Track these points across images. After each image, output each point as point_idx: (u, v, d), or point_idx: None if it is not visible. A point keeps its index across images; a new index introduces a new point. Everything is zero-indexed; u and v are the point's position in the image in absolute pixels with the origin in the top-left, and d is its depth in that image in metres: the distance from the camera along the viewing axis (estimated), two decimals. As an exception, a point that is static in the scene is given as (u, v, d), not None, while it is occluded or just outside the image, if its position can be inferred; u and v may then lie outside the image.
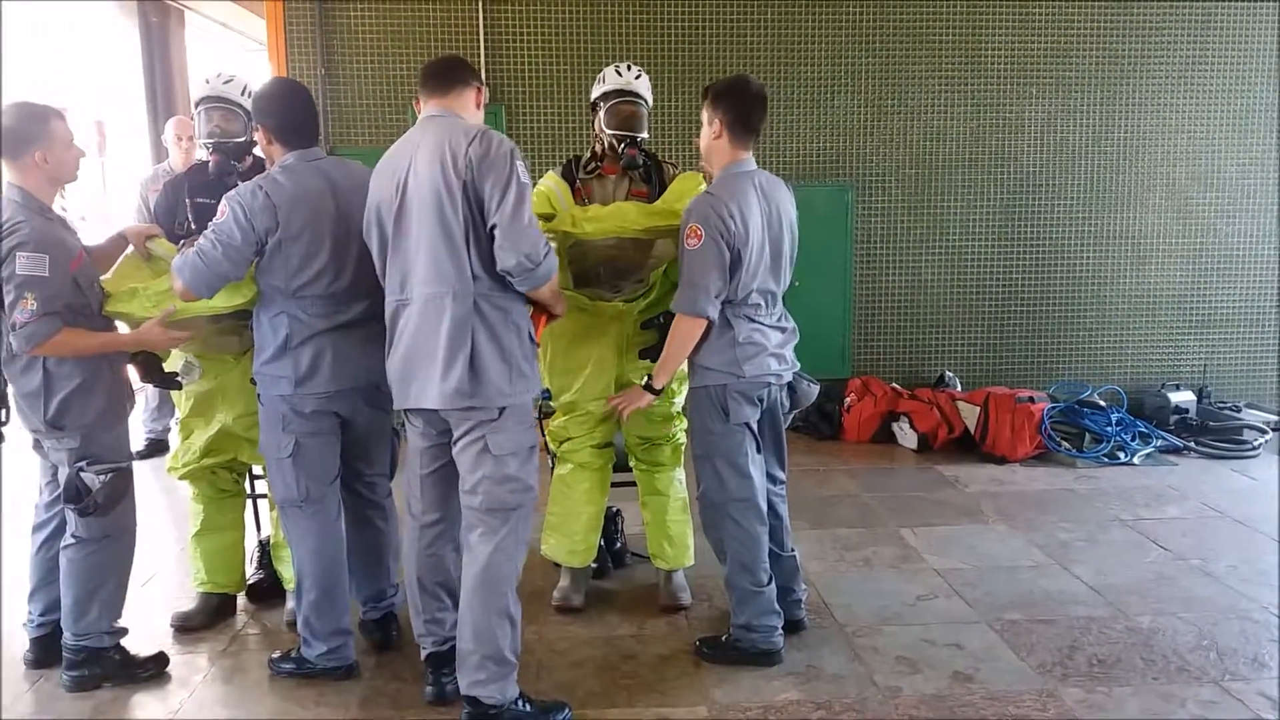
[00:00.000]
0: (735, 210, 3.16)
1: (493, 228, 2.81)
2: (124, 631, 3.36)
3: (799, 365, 3.47)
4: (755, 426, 3.36)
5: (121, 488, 3.21)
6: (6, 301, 3.01)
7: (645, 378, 3.44)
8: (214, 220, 3.06)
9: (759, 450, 3.38)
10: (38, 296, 2.99)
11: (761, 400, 3.35)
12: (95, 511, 3.15)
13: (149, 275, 3.40)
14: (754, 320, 3.29)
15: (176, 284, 3.05)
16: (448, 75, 2.99)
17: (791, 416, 3.56)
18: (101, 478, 3.13)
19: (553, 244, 3.40)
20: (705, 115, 3.30)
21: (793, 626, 3.54)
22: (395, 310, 2.95)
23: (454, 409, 2.88)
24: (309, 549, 3.27)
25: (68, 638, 3.26)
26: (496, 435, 2.89)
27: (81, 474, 3.13)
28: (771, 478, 3.51)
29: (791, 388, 3.47)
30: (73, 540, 3.22)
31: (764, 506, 3.37)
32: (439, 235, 2.82)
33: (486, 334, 2.85)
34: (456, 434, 2.94)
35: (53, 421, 3.13)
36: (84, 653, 3.26)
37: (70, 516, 3.20)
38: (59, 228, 3.18)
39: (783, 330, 3.39)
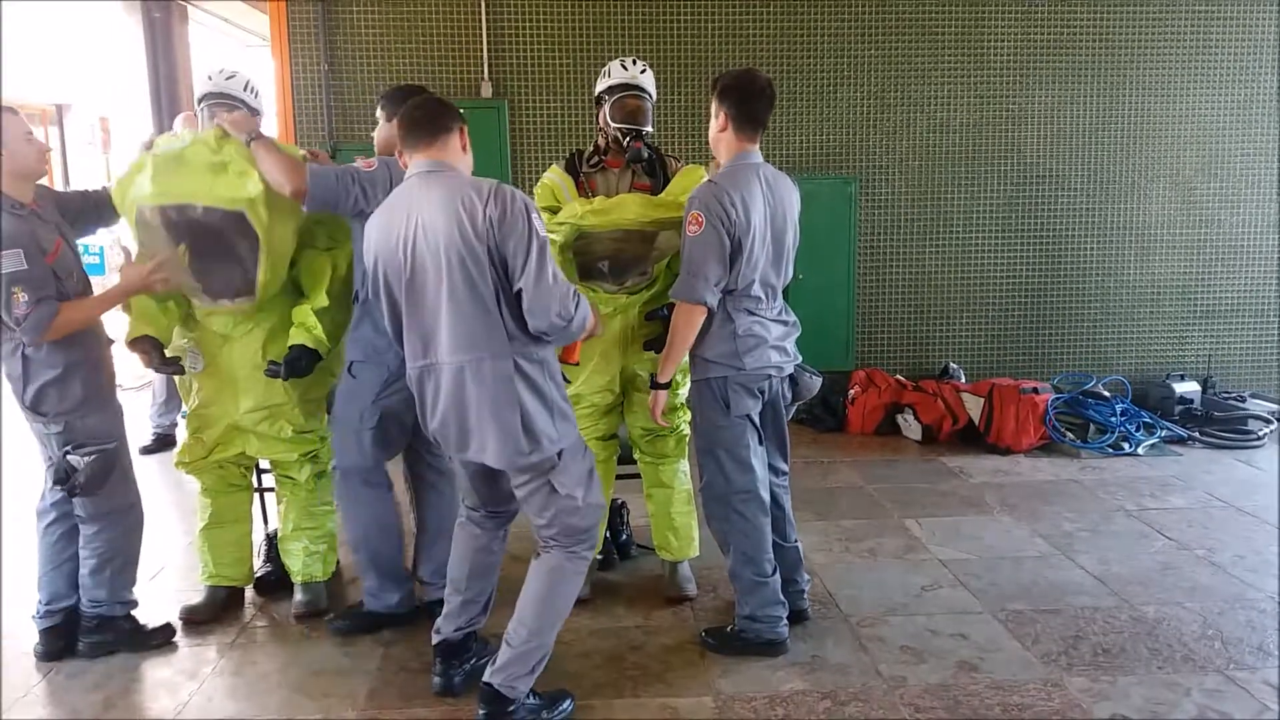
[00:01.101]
0: (738, 200, 3.16)
1: (519, 292, 2.76)
2: (134, 603, 3.53)
3: (801, 358, 3.48)
4: (756, 419, 3.37)
5: (104, 468, 3.28)
6: None
7: (650, 375, 3.46)
8: (360, 166, 3.31)
9: (760, 442, 3.39)
10: (25, 288, 3.06)
11: (762, 393, 3.35)
12: (80, 492, 3.26)
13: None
14: (754, 313, 3.30)
15: (300, 175, 3.21)
16: (430, 125, 2.86)
17: (794, 409, 3.57)
18: (86, 459, 3.24)
19: (557, 237, 3.42)
20: (713, 108, 3.31)
21: (796, 617, 3.55)
22: (420, 375, 2.89)
23: (507, 467, 2.89)
24: (371, 514, 3.51)
25: (84, 604, 3.44)
26: (561, 476, 2.89)
27: (68, 456, 3.26)
28: (774, 469, 3.52)
29: (794, 380, 3.47)
30: (78, 519, 3.39)
31: (767, 498, 3.38)
32: (469, 300, 2.75)
33: (530, 391, 2.82)
34: (516, 481, 2.94)
35: (32, 407, 3.26)
36: (97, 620, 3.44)
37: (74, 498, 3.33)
38: (31, 222, 3.20)
39: (784, 323, 3.39)
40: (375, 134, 3.63)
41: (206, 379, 3.62)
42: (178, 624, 3.65)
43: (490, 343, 2.78)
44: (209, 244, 3.40)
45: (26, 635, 3.59)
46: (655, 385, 3.36)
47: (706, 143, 3.42)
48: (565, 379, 3.06)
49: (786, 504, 3.57)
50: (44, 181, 3.37)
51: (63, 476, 3.26)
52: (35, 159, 3.27)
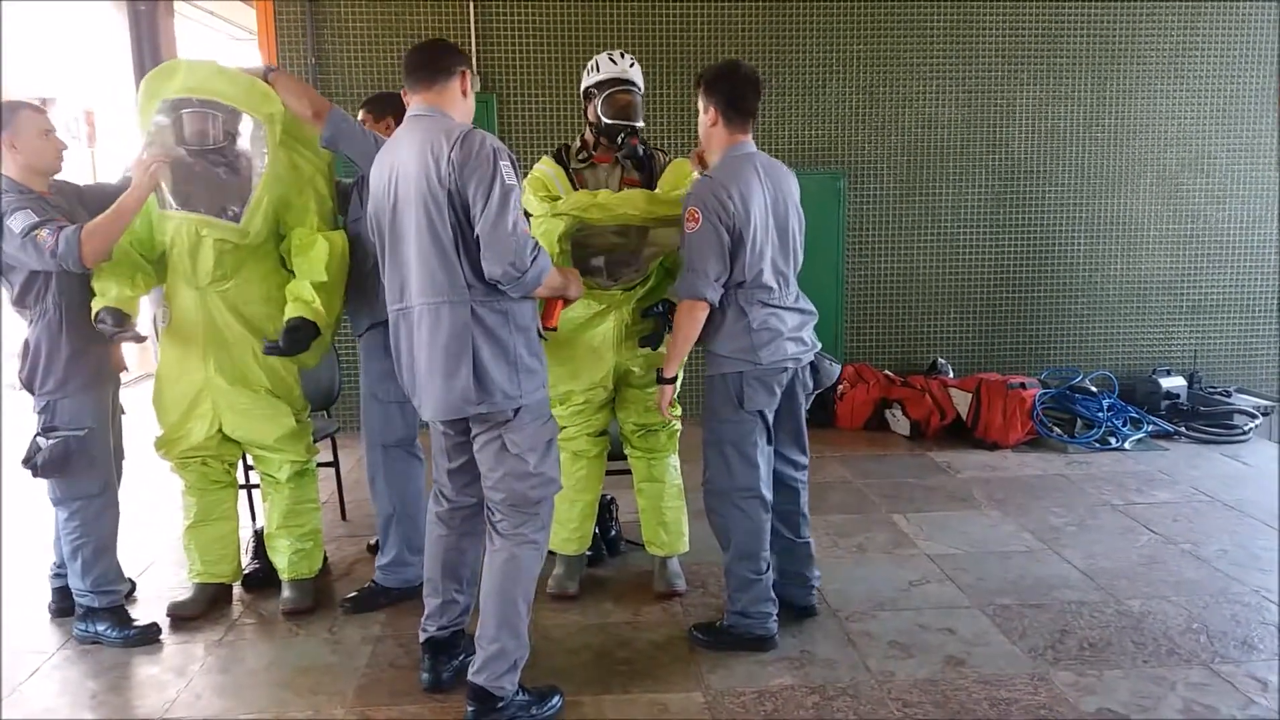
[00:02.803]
0: (735, 193, 3.16)
1: (477, 237, 2.76)
2: (116, 594, 3.58)
3: (820, 345, 3.47)
4: (769, 416, 3.35)
5: (64, 453, 3.39)
6: (23, 257, 3.25)
7: (655, 371, 3.50)
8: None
9: (769, 441, 3.38)
10: (44, 227, 3.21)
11: (780, 386, 3.33)
12: (40, 473, 3.40)
13: None
14: (769, 304, 3.27)
15: (322, 100, 3.47)
16: (429, 68, 2.89)
17: (812, 398, 3.54)
18: (49, 442, 3.39)
19: (560, 225, 3.40)
20: (700, 103, 3.30)
21: (804, 612, 3.58)
22: (395, 320, 2.93)
23: (458, 416, 2.88)
24: (413, 484, 3.82)
25: (74, 592, 3.57)
26: (513, 434, 2.89)
27: (38, 438, 3.41)
28: (793, 463, 3.51)
29: (814, 367, 3.46)
30: (51, 501, 3.54)
31: (769, 496, 3.37)
32: (430, 244, 2.77)
33: (487, 339, 2.81)
34: (475, 432, 2.94)
35: (26, 384, 3.44)
36: (83, 609, 3.55)
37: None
38: (39, 201, 3.35)
39: (800, 312, 3.37)
40: None
41: (171, 342, 3.57)
42: (164, 622, 3.65)
43: (451, 289, 2.78)
44: (217, 147, 3.42)
45: (16, 633, 3.60)
46: (661, 380, 3.37)
47: (695, 136, 3.41)
48: (542, 336, 3.05)
49: (803, 498, 3.55)
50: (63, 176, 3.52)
51: (29, 456, 3.40)
52: (51, 155, 3.40)
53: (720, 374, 3.29)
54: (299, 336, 3.45)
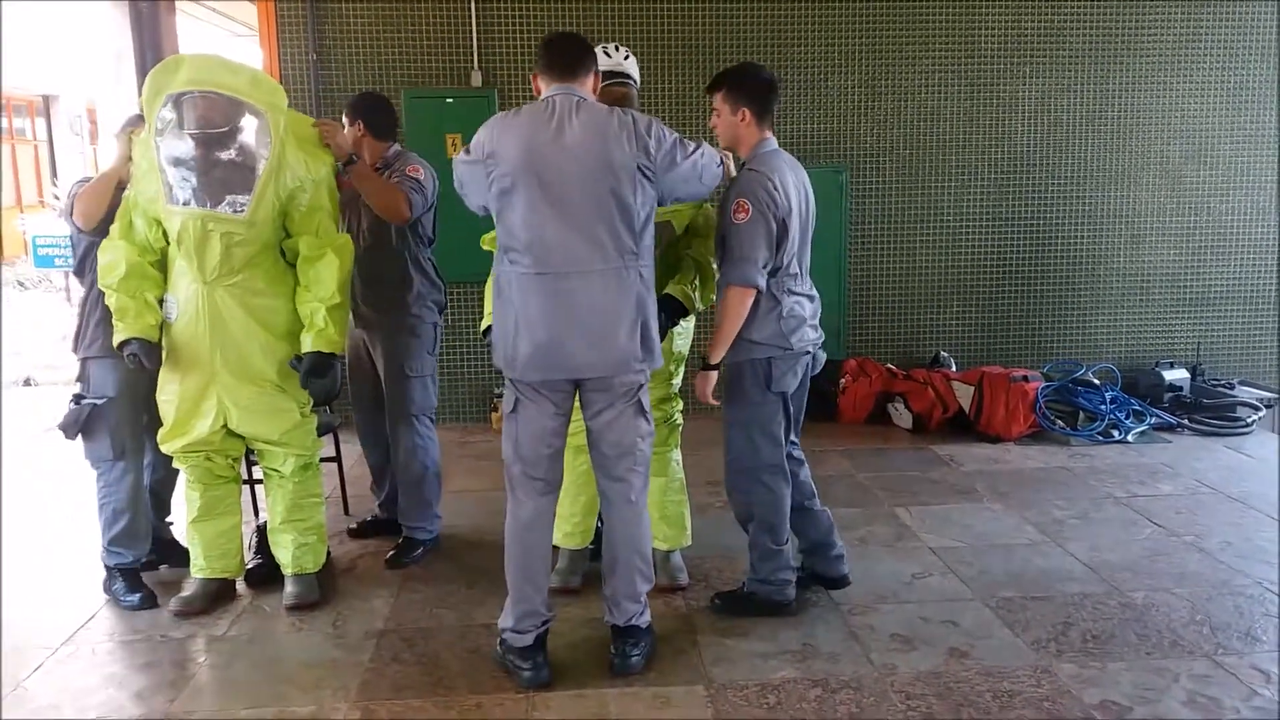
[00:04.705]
0: (778, 184, 3.29)
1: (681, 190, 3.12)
2: (124, 557, 3.79)
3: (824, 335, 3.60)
4: (790, 397, 3.48)
5: (77, 419, 3.66)
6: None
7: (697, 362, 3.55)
8: (410, 174, 3.98)
9: (788, 419, 3.51)
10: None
11: (801, 370, 3.48)
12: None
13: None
14: (795, 292, 3.41)
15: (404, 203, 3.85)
16: (578, 63, 3.07)
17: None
18: (71, 407, 3.68)
19: None
20: (725, 105, 3.39)
21: (839, 583, 3.70)
22: (524, 284, 3.01)
23: (619, 375, 3.05)
24: (436, 446, 4.26)
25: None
26: (645, 396, 3.15)
27: (70, 403, 3.71)
28: (792, 440, 3.63)
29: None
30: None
31: (787, 470, 3.51)
32: (615, 211, 2.95)
33: (649, 302, 3.07)
34: (604, 401, 3.10)
35: (73, 345, 3.78)
36: (107, 567, 3.85)
37: None
38: None
39: (813, 299, 3.52)
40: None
41: (177, 336, 3.55)
42: (167, 618, 3.66)
43: (631, 254, 3.00)
44: (222, 141, 3.45)
45: (20, 629, 3.61)
46: (705, 367, 3.42)
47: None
48: None
49: (807, 467, 3.68)
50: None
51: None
52: None
53: (750, 359, 3.39)
54: (321, 372, 3.58)
